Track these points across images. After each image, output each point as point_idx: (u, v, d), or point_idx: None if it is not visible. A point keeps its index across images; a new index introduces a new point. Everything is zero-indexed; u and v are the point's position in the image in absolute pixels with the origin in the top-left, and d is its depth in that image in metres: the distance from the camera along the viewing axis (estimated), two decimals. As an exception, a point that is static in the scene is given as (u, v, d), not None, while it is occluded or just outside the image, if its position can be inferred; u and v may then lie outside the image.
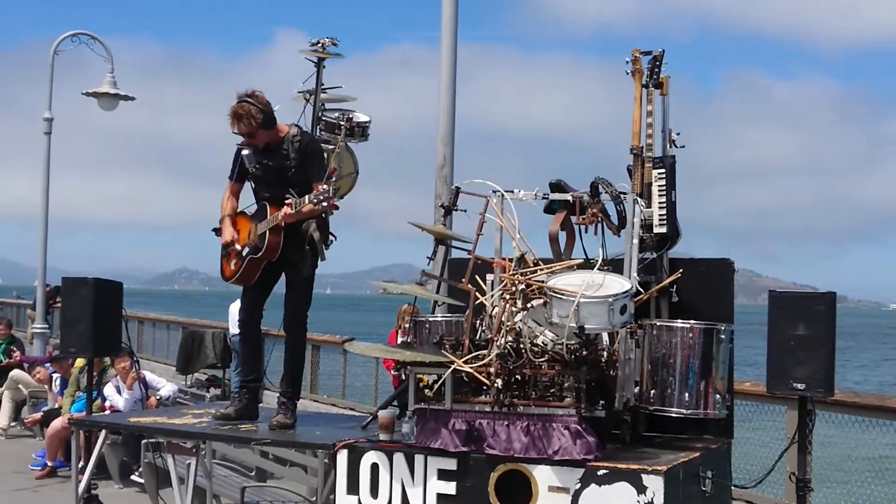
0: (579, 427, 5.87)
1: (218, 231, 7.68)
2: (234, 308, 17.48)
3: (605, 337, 6.50)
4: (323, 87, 8.10)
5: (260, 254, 7.35)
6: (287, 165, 7.33)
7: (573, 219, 7.01)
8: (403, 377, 12.10)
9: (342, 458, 6.46)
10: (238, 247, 7.49)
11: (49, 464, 12.99)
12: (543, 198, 7.11)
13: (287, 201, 7.21)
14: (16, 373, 15.93)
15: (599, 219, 6.85)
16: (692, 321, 6.59)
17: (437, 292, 7.75)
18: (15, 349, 17.30)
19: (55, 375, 14.38)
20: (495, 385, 6.00)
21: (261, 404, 8.14)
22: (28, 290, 42.86)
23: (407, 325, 12.66)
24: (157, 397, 12.63)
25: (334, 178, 7.85)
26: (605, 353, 6.34)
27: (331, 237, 7.58)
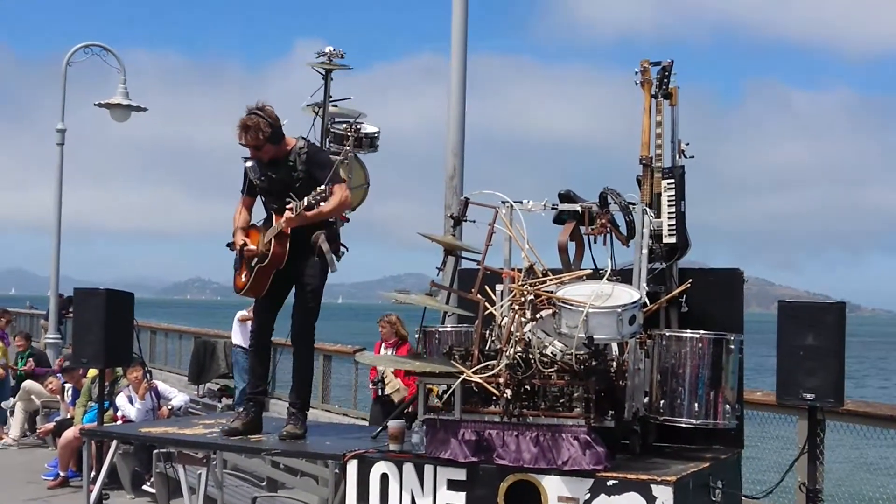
0: (588, 437, 5.87)
1: (231, 245, 7.70)
2: (237, 319, 17.48)
3: (615, 347, 6.50)
4: (331, 98, 8.11)
5: (266, 262, 7.37)
6: (294, 178, 7.34)
7: (582, 229, 7.02)
8: (380, 393, 12.18)
9: (352, 468, 6.48)
10: (247, 256, 7.50)
11: (61, 474, 13.03)
12: (552, 208, 7.13)
13: (288, 206, 7.23)
14: (28, 383, 15.98)
15: (608, 229, 6.86)
16: (702, 331, 6.58)
17: (447, 303, 7.76)
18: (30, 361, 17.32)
19: (67, 386, 14.42)
20: (505, 395, 6.01)
21: (266, 413, 8.14)
22: (41, 300, 42.98)
23: (390, 337, 12.78)
24: (169, 407, 12.66)
25: None
26: (614, 364, 6.35)
27: (342, 248, 7.59)
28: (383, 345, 12.87)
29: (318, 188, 7.12)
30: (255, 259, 7.43)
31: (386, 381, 12.46)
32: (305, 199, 7.15)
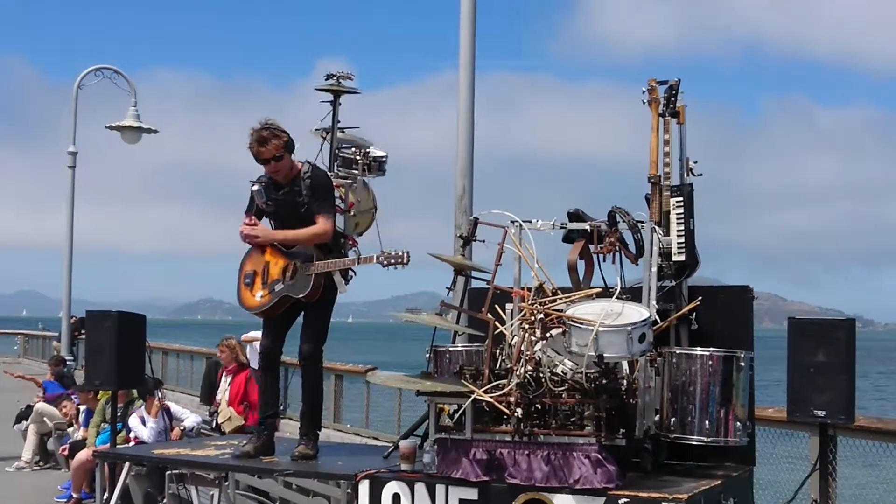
0: (600, 456, 5.88)
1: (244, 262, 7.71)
2: (242, 339, 17.49)
3: (625, 365, 6.52)
4: (339, 124, 8.13)
5: (301, 294, 7.38)
6: (299, 202, 7.38)
7: (591, 248, 7.04)
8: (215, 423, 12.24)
9: (364, 488, 6.49)
10: (265, 278, 7.50)
11: (74, 495, 13.04)
12: (561, 227, 7.14)
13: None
14: (41, 406, 16.01)
15: (617, 247, 6.88)
16: (712, 349, 6.59)
17: (457, 322, 7.78)
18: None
19: (82, 407, 14.44)
20: (515, 414, 6.02)
21: (278, 433, 8.15)
22: (53, 322, 43.09)
23: (230, 362, 12.83)
24: (182, 428, 12.66)
25: (352, 213, 7.89)
26: (624, 382, 6.36)
27: (350, 272, 7.60)
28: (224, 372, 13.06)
29: (395, 252, 7.22)
30: (280, 285, 7.43)
31: (219, 409, 12.67)
32: (374, 256, 7.28)
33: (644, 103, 7.31)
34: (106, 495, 9.00)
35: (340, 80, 8.11)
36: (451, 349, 7.60)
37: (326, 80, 8.12)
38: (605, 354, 6.00)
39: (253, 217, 7.56)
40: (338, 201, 7.66)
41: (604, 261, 7.01)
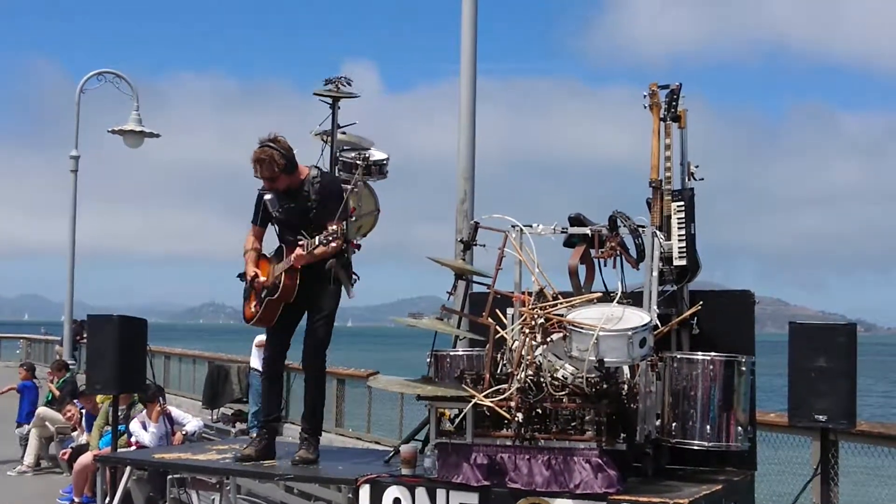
0: (600, 460, 5.88)
1: (242, 276, 7.73)
2: (255, 345, 17.54)
3: (626, 370, 6.51)
4: (339, 127, 8.14)
5: (275, 295, 7.41)
6: (308, 207, 7.37)
7: (592, 252, 7.04)
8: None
9: (365, 492, 6.50)
10: (257, 288, 7.54)
11: (76, 500, 13.03)
12: (562, 232, 7.15)
13: (300, 243, 7.26)
14: (42, 410, 16.02)
15: (618, 252, 6.88)
16: (713, 353, 6.59)
17: (458, 327, 7.78)
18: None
19: (83, 411, 14.45)
20: (516, 419, 6.02)
21: (279, 437, 8.16)
22: (55, 325, 43.07)
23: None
24: (183, 433, 12.67)
25: (354, 218, 7.89)
26: (625, 387, 6.35)
27: (354, 276, 7.60)
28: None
29: (330, 228, 7.14)
30: (265, 291, 7.47)
31: None
32: (317, 238, 7.17)
33: (645, 108, 7.32)
34: (107, 499, 9.00)
35: (339, 86, 8.12)
36: (451, 354, 7.60)
37: (325, 85, 8.13)
38: (605, 359, 6.00)
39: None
40: None
41: (604, 265, 7.03)
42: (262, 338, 16.07)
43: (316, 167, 7.60)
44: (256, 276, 7.54)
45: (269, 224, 7.68)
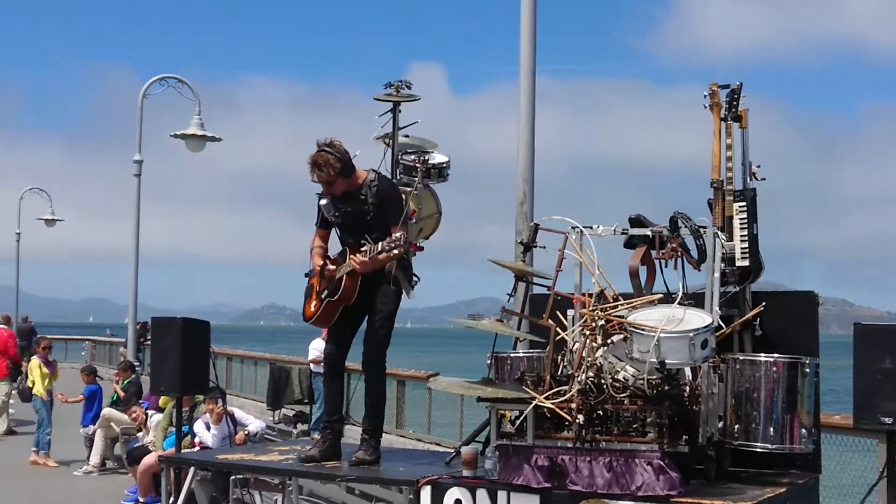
0: (662, 462, 5.85)
1: (309, 274, 7.79)
2: (314, 346, 17.67)
3: (688, 372, 6.47)
4: (401, 129, 8.19)
5: (335, 297, 7.46)
6: (365, 211, 7.40)
7: (653, 253, 7.01)
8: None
9: (426, 494, 6.52)
10: (328, 276, 7.58)
11: (141, 500, 13.19)
12: (622, 233, 7.12)
13: (362, 248, 7.30)
14: (107, 411, 16.23)
15: (679, 253, 6.84)
16: (776, 355, 6.53)
17: (518, 328, 7.78)
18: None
19: (150, 412, 14.63)
20: (577, 421, 6.01)
21: (343, 438, 8.20)
22: (119, 328, 43.65)
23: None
24: (246, 433, 12.78)
25: (414, 220, 7.91)
26: (687, 388, 6.32)
27: (414, 278, 7.64)
28: None
29: (395, 235, 7.16)
30: (325, 292, 7.52)
31: None
32: (380, 244, 7.20)
33: (706, 108, 7.26)
34: (171, 499, 9.10)
35: (399, 89, 8.17)
36: (512, 355, 7.60)
37: (386, 89, 8.18)
38: (667, 361, 5.97)
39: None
40: None
41: (665, 266, 6.99)
42: (317, 342, 16.18)
43: (374, 170, 7.63)
44: (326, 264, 7.58)
45: (331, 227, 7.73)
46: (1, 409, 20.25)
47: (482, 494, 6.33)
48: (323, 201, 7.54)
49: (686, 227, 6.87)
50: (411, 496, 6.78)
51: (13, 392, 20.17)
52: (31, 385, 17.60)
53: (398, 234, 7.15)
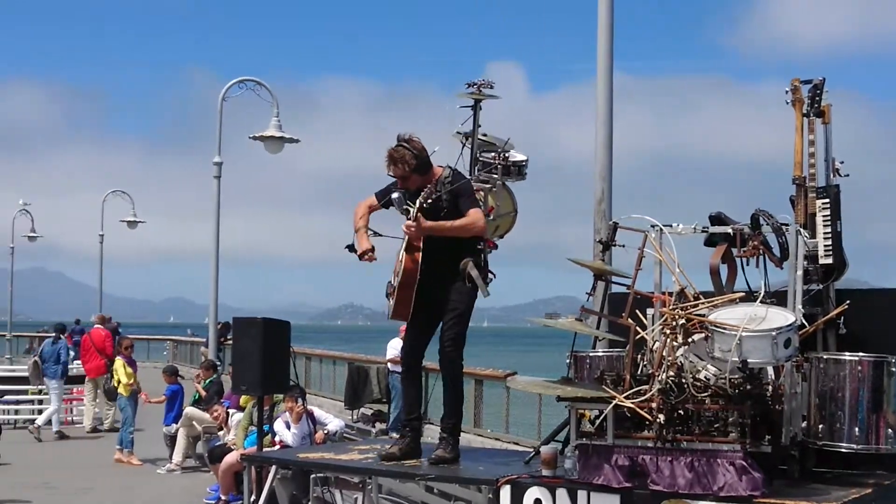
0: (745, 463, 5.80)
1: (352, 247, 7.75)
2: (392, 345, 17.76)
3: (770, 371, 6.40)
4: (480, 128, 8.22)
5: (400, 279, 7.45)
6: (440, 206, 7.43)
7: (734, 251, 6.94)
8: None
9: (505, 493, 6.52)
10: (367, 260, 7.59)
11: (223, 498, 13.36)
12: (703, 231, 7.06)
13: (409, 216, 7.29)
14: (190, 410, 16.45)
15: (761, 251, 6.77)
16: (861, 354, 6.43)
17: (598, 327, 7.75)
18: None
19: (231, 411, 14.80)
20: (658, 420, 5.97)
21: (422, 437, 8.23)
22: (199, 327, 44.21)
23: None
24: (325, 432, 12.88)
25: (491, 217, 7.92)
26: (769, 388, 6.25)
27: (490, 275, 7.64)
28: None
29: (427, 187, 7.20)
30: (394, 278, 7.53)
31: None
32: (418, 199, 7.24)
33: (787, 103, 7.17)
34: (253, 498, 9.20)
35: (481, 88, 8.20)
36: (591, 354, 7.57)
37: (467, 88, 8.22)
38: (749, 360, 5.92)
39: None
40: None
41: (747, 264, 6.91)
42: (395, 341, 16.25)
43: (450, 167, 7.65)
44: (370, 251, 7.60)
45: (384, 207, 7.73)
46: (104, 406, 20.77)
47: (562, 494, 6.32)
48: (395, 194, 7.58)
49: (768, 224, 6.80)
50: (490, 495, 6.78)
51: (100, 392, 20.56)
52: (115, 384, 17.92)
53: (430, 186, 7.19)
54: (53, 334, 21.30)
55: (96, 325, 21.61)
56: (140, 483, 15.37)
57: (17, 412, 22.29)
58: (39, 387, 21.13)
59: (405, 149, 7.39)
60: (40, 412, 22.08)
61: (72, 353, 22.51)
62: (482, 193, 7.90)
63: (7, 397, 21.28)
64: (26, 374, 23.24)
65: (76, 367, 22.34)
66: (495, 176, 8.09)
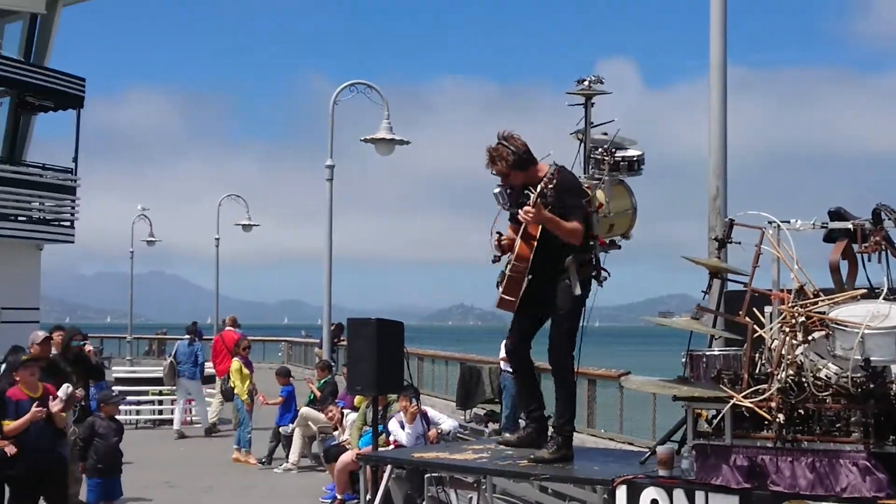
0: (868, 463, 5.67)
1: (496, 259, 7.73)
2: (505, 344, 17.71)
3: (894, 369, 6.24)
4: (594, 125, 8.18)
5: (511, 263, 7.42)
6: (544, 204, 7.40)
7: (855, 247, 6.79)
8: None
9: (621, 493, 6.47)
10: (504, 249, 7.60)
11: (338, 497, 13.53)
12: (822, 227, 6.92)
13: (527, 203, 7.26)
14: (305, 410, 16.68)
15: (883, 246, 6.60)
16: None
17: (714, 326, 7.64)
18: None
19: (346, 411, 14.98)
20: (777, 420, 5.87)
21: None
22: (313, 328, 44.77)
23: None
24: (439, 431, 12.94)
25: (602, 214, 7.87)
26: (894, 387, 6.09)
27: (604, 273, 7.60)
28: None
29: (544, 179, 7.21)
30: (507, 266, 7.52)
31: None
32: (538, 186, 7.21)
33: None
34: (368, 497, 9.29)
35: (591, 85, 8.17)
36: (707, 353, 7.46)
37: (577, 84, 8.20)
38: (872, 358, 5.78)
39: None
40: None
41: (868, 260, 6.75)
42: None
43: (555, 164, 7.62)
44: (503, 235, 7.62)
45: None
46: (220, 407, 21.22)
47: (679, 494, 6.25)
48: (497, 189, 7.63)
49: (890, 219, 6.63)
50: (606, 496, 6.74)
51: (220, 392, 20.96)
52: (233, 385, 18.26)
53: (550, 165, 7.22)
54: (187, 336, 21.66)
55: (228, 328, 22.01)
56: (259, 482, 15.67)
57: (138, 412, 22.87)
58: (172, 387, 21.63)
59: (504, 147, 7.48)
60: (160, 412, 22.65)
61: None
62: (590, 190, 7.85)
63: (129, 398, 21.82)
64: (146, 375, 23.87)
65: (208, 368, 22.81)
66: (605, 173, 8.03)
